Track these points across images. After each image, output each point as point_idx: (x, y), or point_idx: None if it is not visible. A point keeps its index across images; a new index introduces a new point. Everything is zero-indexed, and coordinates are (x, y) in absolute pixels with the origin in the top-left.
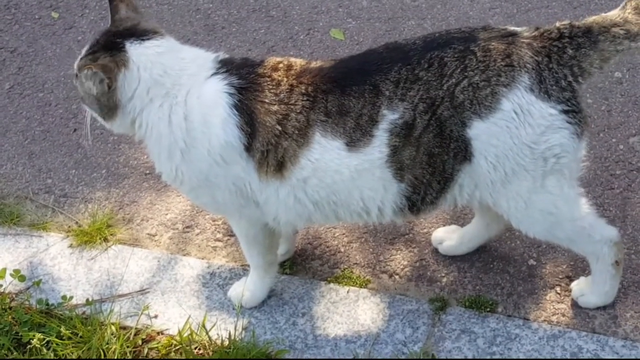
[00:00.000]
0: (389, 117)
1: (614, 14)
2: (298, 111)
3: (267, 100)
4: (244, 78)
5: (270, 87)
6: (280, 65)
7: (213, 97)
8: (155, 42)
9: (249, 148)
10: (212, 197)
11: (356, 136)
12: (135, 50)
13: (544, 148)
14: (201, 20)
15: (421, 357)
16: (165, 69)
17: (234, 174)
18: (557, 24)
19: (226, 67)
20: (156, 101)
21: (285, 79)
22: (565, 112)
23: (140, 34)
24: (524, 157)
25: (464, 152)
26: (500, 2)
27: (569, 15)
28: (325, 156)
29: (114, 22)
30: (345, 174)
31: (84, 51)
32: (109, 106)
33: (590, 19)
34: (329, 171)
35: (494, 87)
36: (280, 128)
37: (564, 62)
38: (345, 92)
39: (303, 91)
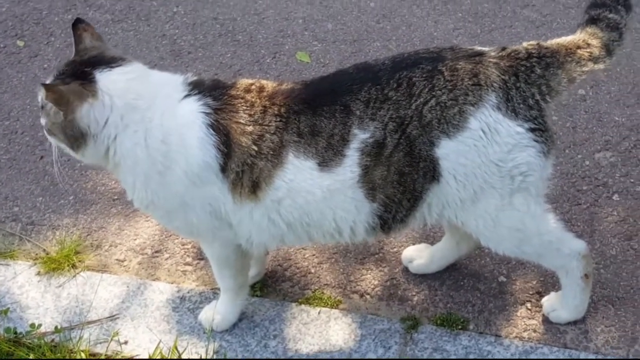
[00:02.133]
0: (360, 137)
1: (576, 37)
2: (272, 132)
3: (242, 121)
4: (218, 99)
5: (245, 108)
6: (253, 87)
7: (189, 117)
8: (125, 68)
9: (224, 168)
10: (187, 220)
11: (328, 156)
12: (106, 79)
13: (511, 166)
14: (167, 45)
15: None
16: (138, 93)
17: (210, 195)
18: (525, 44)
19: (198, 88)
20: (131, 127)
21: (258, 101)
22: (532, 130)
23: (109, 61)
24: (491, 175)
25: (432, 172)
26: (464, 23)
27: (531, 34)
28: (298, 177)
29: (78, 51)
30: (318, 194)
31: (53, 79)
32: (74, 136)
33: (555, 41)
34: (302, 192)
35: (461, 106)
36: (256, 148)
37: (531, 81)
38: (316, 112)
39: (276, 112)
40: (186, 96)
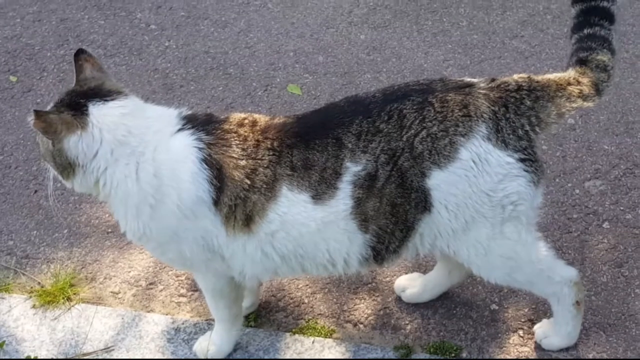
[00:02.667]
0: (352, 169)
1: (567, 74)
2: (265, 166)
3: (235, 155)
4: (211, 133)
5: (238, 142)
6: (245, 121)
7: (182, 151)
8: (119, 102)
9: (217, 202)
10: (180, 252)
11: (321, 189)
12: (98, 112)
13: (502, 196)
14: (159, 79)
15: None
16: (129, 129)
17: (203, 228)
18: (516, 77)
19: (191, 123)
20: (122, 160)
21: (251, 135)
22: (522, 160)
23: (104, 94)
24: (482, 205)
25: (423, 203)
26: (454, 54)
27: (520, 65)
28: (292, 209)
29: (78, 81)
30: (312, 227)
31: (48, 109)
32: (62, 165)
33: (547, 76)
34: (296, 224)
35: (452, 137)
36: (249, 182)
37: (521, 112)
38: (309, 146)
39: (269, 146)
40: (179, 130)
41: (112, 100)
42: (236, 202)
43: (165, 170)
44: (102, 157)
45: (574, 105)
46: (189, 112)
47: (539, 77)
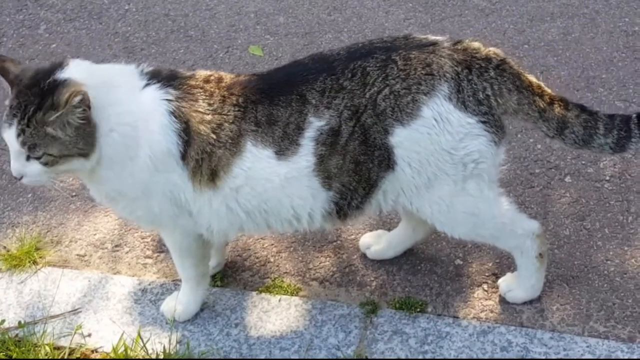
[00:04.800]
0: (316, 124)
1: (548, 91)
2: (230, 121)
3: (201, 110)
4: (178, 88)
5: (204, 97)
6: (211, 77)
7: (152, 104)
8: (76, 65)
9: (184, 156)
10: (149, 209)
11: (284, 145)
12: (70, 75)
13: (463, 154)
14: (120, 43)
15: (355, 358)
16: (103, 81)
17: (172, 182)
18: (491, 50)
19: (156, 78)
20: (107, 111)
21: (217, 91)
22: (483, 121)
23: (54, 67)
24: (444, 163)
25: (387, 160)
26: (415, 13)
27: (481, 22)
28: (256, 165)
29: (14, 81)
30: (276, 182)
31: (24, 115)
32: (87, 141)
33: (526, 75)
34: (260, 180)
35: (414, 95)
36: (214, 137)
37: (484, 78)
38: (273, 102)
39: (234, 102)
40: (146, 85)
41: (67, 66)
42: (202, 156)
43: (139, 122)
44: (96, 111)
45: (531, 114)
46: (151, 68)
47: (516, 67)
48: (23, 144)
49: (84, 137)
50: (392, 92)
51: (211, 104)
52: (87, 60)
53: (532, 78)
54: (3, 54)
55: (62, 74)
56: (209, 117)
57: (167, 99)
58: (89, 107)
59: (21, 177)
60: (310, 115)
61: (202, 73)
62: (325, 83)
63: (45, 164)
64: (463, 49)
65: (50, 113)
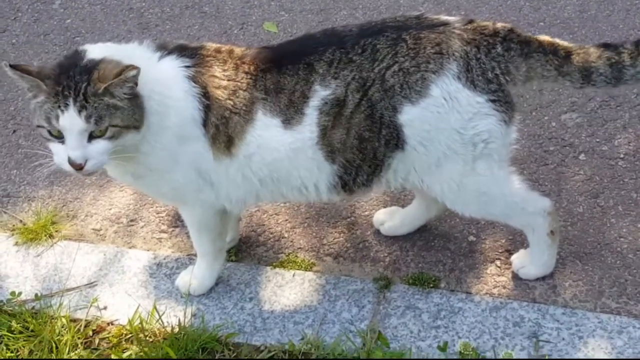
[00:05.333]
0: (321, 94)
1: (563, 44)
2: (244, 88)
3: (217, 75)
4: (192, 57)
5: (218, 64)
6: (222, 49)
7: (172, 72)
8: (97, 47)
9: (205, 122)
10: (174, 183)
11: (290, 114)
12: (96, 54)
13: (473, 134)
14: (135, 19)
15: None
16: (128, 57)
17: (196, 151)
18: (498, 24)
19: (166, 49)
20: (142, 87)
21: (229, 59)
22: (492, 100)
23: (76, 54)
24: (454, 142)
25: (395, 140)
26: None
27: None
28: (266, 133)
29: (41, 75)
30: (283, 152)
31: (78, 93)
32: (140, 105)
33: (535, 36)
34: (269, 149)
35: (423, 73)
36: (231, 103)
37: (492, 57)
38: (281, 70)
39: (246, 70)
40: (161, 57)
41: (86, 50)
42: (221, 121)
43: (165, 90)
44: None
45: (547, 74)
46: (158, 42)
47: (525, 34)
48: (88, 118)
49: (137, 108)
50: (401, 69)
51: (225, 70)
52: (102, 38)
53: (543, 37)
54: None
55: (93, 55)
56: (224, 83)
57: (184, 66)
58: (136, 84)
59: (81, 167)
60: (316, 84)
61: (211, 45)
62: (334, 55)
63: (111, 137)
64: (473, 28)
65: (102, 84)
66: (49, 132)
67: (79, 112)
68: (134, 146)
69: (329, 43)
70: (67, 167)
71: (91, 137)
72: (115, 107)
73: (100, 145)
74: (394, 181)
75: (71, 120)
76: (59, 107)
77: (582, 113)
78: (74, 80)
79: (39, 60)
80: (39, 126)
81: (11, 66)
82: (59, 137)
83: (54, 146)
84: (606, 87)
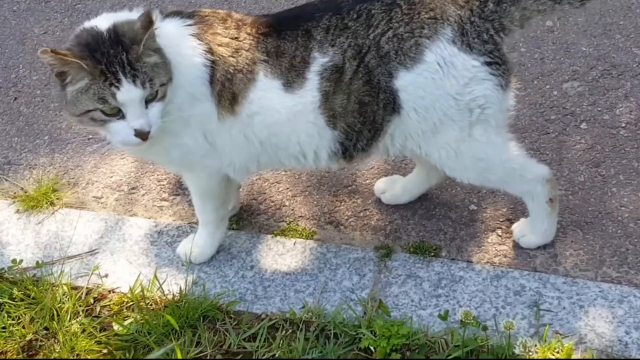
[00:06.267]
0: (320, 60)
1: None
2: (246, 48)
3: (219, 33)
4: (192, 17)
5: (219, 23)
6: (220, 11)
7: (177, 31)
8: (103, 18)
9: (212, 79)
10: (184, 147)
11: (291, 77)
12: (101, 25)
13: (469, 99)
14: None
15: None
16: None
17: (205, 112)
18: None
19: (164, 14)
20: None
21: (230, 20)
22: (488, 64)
23: (91, 28)
24: (449, 108)
25: (392, 104)
26: None
27: None
28: (267, 94)
29: (77, 55)
30: (283, 115)
31: (122, 64)
32: (165, 58)
33: None
34: (270, 110)
35: (417, 39)
36: (234, 60)
37: (485, 16)
38: (280, 35)
39: (248, 31)
40: (162, 20)
41: (94, 23)
42: (227, 77)
43: (174, 48)
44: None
45: (542, 7)
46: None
47: None
48: (143, 83)
49: (165, 59)
50: (395, 34)
51: (227, 29)
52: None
53: None
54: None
55: (104, 27)
56: (226, 41)
57: (187, 25)
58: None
59: (147, 136)
60: (315, 51)
61: (207, 9)
62: (331, 21)
63: (162, 97)
64: None
65: (138, 45)
66: (103, 112)
67: (134, 81)
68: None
69: (325, 9)
70: (134, 141)
71: (148, 102)
72: (156, 64)
73: (156, 107)
74: (392, 147)
75: (129, 93)
76: (111, 84)
77: (584, 82)
78: (111, 55)
79: (40, 27)
80: (88, 111)
81: (52, 51)
82: (115, 114)
83: (113, 125)
84: None
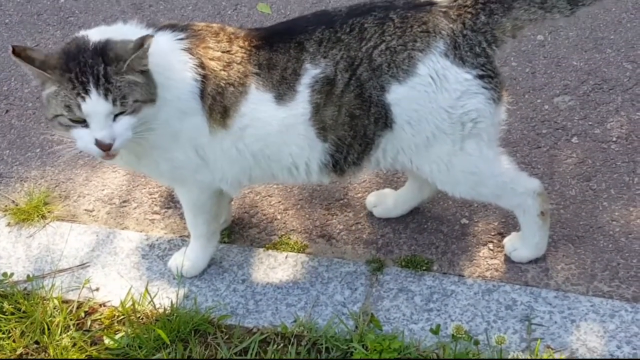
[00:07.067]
0: (311, 72)
1: None
2: (238, 62)
3: (211, 47)
4: (185, 31)
5: (211, 37)
6: (213, 25)
7: (168, 45)
8: (96, 31)
9: (202, 94)
10: (174, 161)
11: (282, 90)
12: (96, 36)
13: (461, 113)
14: None
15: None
16: (126, 37)
17: (195, 126)
18: None
19: (155, 27)
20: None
21: (222, 33)
22: (481, 77)
23: (79, 41)
24: (442, 122)
25: (384, 119)
26: None
27: None
28: (259, 107)
29: (46, 64)
30: (275, 127)
31: (98, 76)
32: (152, 78)
33: None
34: (261, 122)
35: (410, 52)
36: (225, 74)
37: (477, 29)
38: (273, 48)
39: (240, 44)
40: (154, 33)
41: (89, 34)
42: (217, 91)
43: (165, 62)
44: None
45: (534, 16)
46: (145, 22)
47: None
48: (114, 100)
49: (150, 80)
50: (388, 47)
51: (219, 42)
52: (95, 18)
53: None
54: (24, 47)
55: (97, 37)
56: (218, 54)
57: (179, 39)
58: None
59: (109, 148)
60: (306, 63)
61: (200, 23)
62: (324, 34)
63: (133, 111)
64: (457, 6)
65: (123, 62)
66: (69, 119)
67: (105, 95)
68: (149, 122)
69: (318, 22)
70: (94, 150)
71: (116, 116)
72: (135, 83)
73: (125, 121)
74: (384, 161)
75: (96, 106)
76: (78, 94)
77: (575, 96)
78: (87, 65)
79: (32, 40)
80: (56, 116)
81: (14, 52)
82: (81, 122)
83: (77, 131)
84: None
